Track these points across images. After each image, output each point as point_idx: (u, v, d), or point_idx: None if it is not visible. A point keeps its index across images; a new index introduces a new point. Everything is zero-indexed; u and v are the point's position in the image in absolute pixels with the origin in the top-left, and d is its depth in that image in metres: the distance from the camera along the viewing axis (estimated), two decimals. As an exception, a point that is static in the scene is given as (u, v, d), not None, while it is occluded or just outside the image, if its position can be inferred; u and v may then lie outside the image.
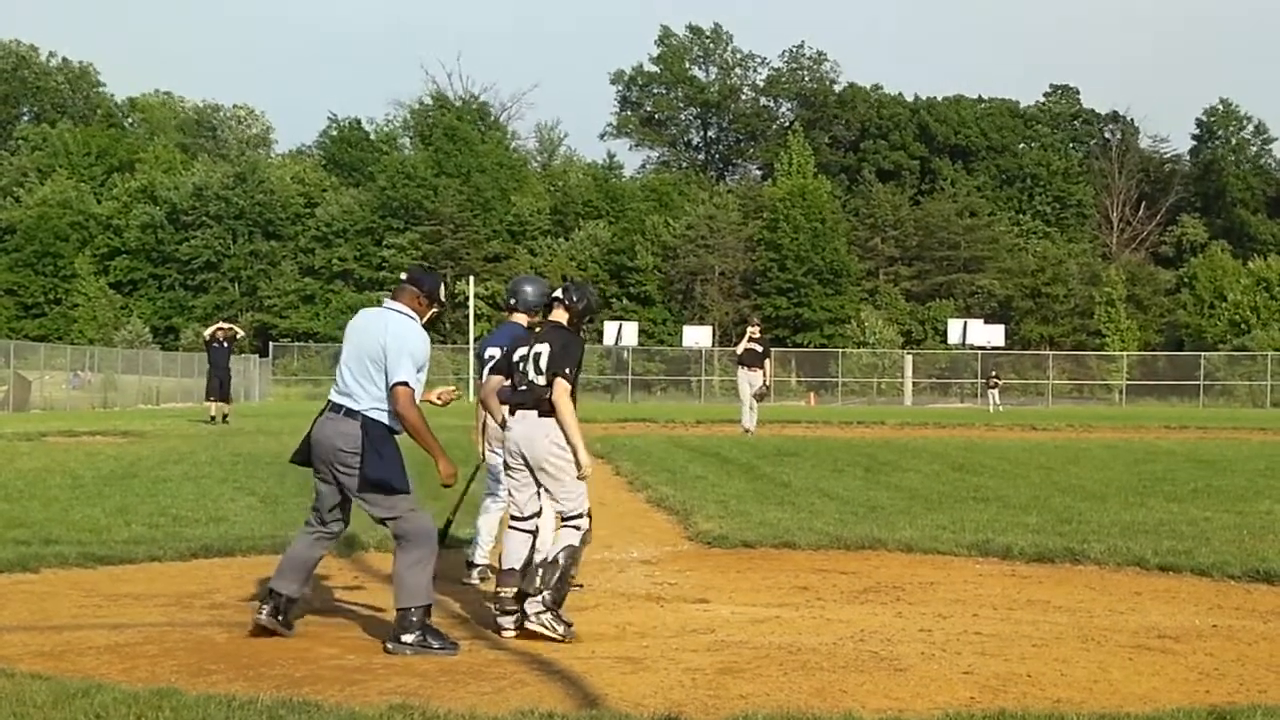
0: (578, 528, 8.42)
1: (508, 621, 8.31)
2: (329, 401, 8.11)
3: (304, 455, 8.21)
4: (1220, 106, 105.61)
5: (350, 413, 7.93)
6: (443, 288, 8.34)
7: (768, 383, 29.17)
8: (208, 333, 34.45)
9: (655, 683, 7.00)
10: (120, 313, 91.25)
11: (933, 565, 11.47)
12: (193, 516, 13.53)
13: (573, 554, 8.33)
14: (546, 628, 8.05)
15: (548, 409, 8.36)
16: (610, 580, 10.57)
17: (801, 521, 13.66)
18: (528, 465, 8.45)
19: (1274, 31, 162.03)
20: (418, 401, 8.01)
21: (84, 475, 17.65)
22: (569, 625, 8.13)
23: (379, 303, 8.37)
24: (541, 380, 8.41)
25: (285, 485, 16.25)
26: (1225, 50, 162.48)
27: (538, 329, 8.86)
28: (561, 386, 8.35)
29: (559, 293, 8.82)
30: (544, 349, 8.50)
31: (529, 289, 10.19)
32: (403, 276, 8.30)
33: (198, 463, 19.88)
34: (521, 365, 8.59)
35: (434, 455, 7.97)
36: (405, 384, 7.87)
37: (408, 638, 7.76)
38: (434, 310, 8.28)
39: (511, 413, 8.56)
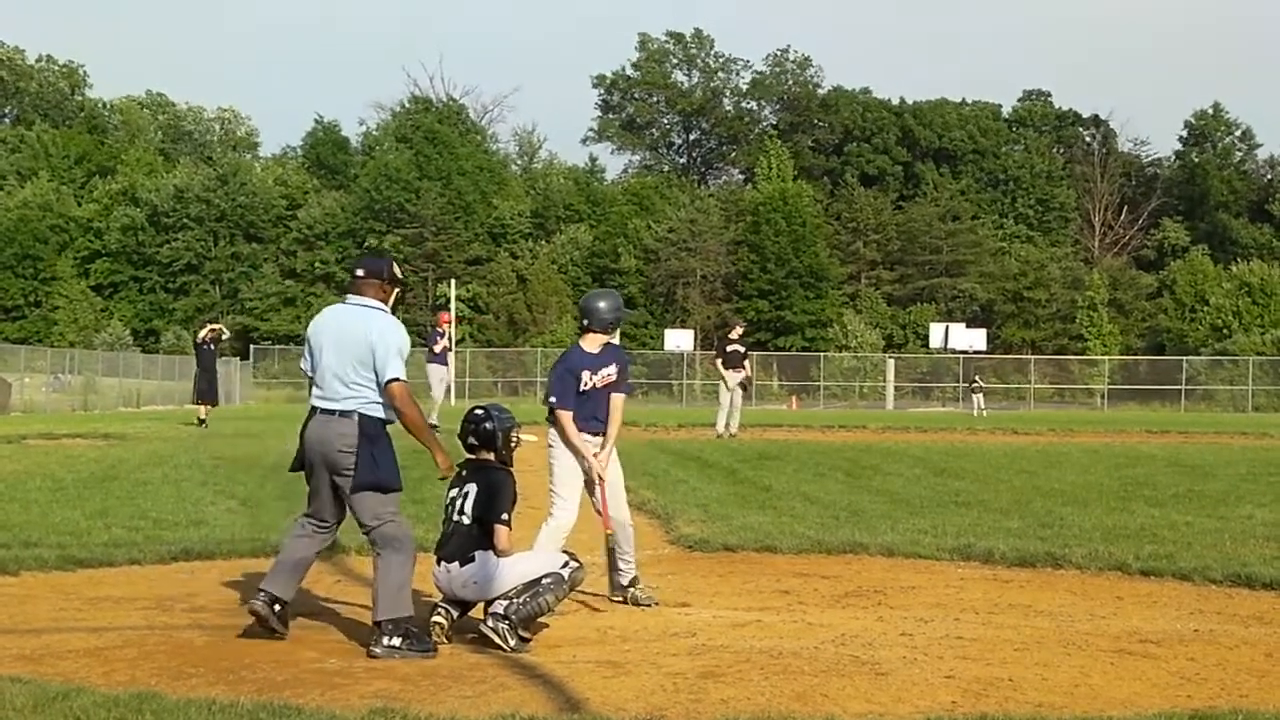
0: (569, 566, 8.47)
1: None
2: (314, 407, 8.12)
3: (300, 461, 8.25)
4: (1210, 110, 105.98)
5: (344, 413, 7.96)
6: (395, 266, 8.38)
7: (750, 374, 29.44)
8: (202, 335, 33.95)
9: (636, 687, 7.00)
10: (101, 315, 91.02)
11: (914, 569, 11.47)
12: (173, 520, 13.48)
13: (558, 584, 8.32)
14: (499, 635, 8.03)
15: (470, 558, 8.33)
16: (592, 584, 10.55)
17: (783, 525, 13.65)
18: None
19: (1262, 41, 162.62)
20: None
21: (64, 478, 17.58)
22: (522, 640, 8.09)
23: (343, 300, 8.35)
24: (466, 521, 8.38)
25: (266, 489, 16.22)
26: (1214, 56, 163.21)
27: (464, 470, 8.67)
28: (503, 534, 8.34)
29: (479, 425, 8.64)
30: (471, 489, 8.47)
31: (603, 304, 9.82)
32: (359, 272, 8.28)
33: (178, 466, 19.80)
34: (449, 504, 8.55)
35: (431, 449, 8.08)
36: (398, 379, 7.95)
37: (391, 641, 7.75)
38: (396, 292, 8.34)
39: (437, 561, 8.49)
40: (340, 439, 7.94)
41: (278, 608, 8.10)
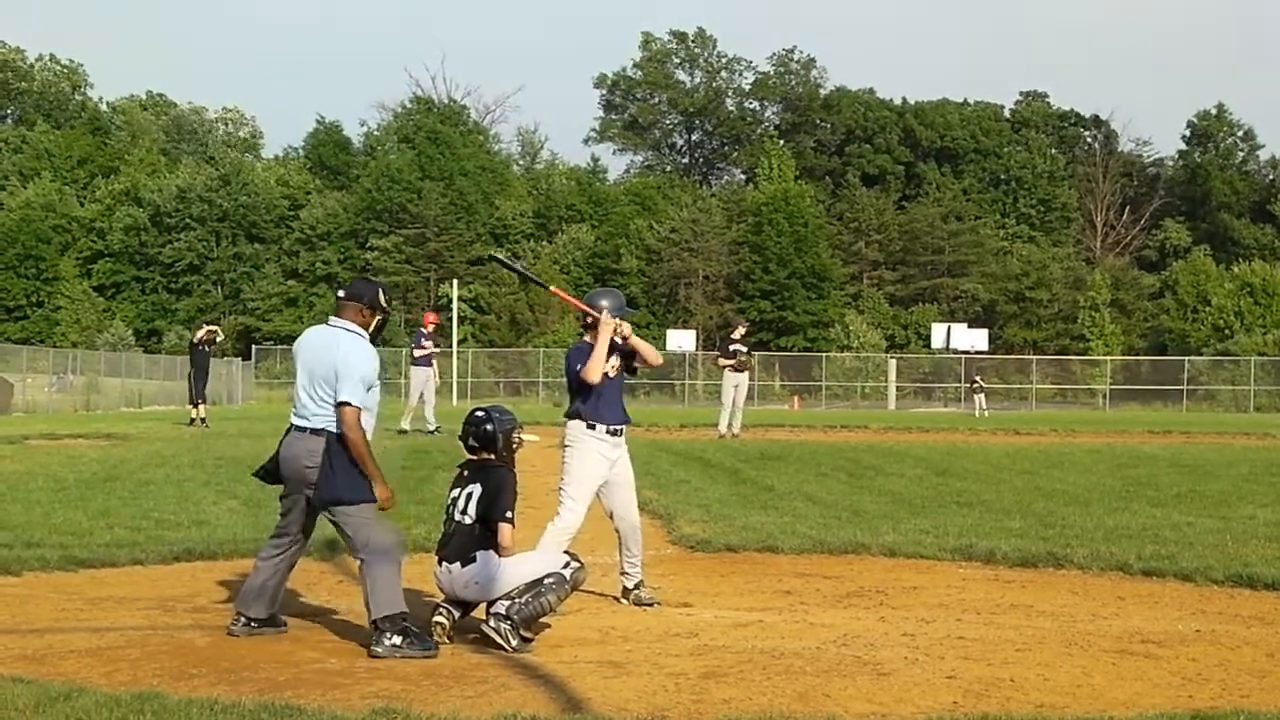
0: (570, 566, 8.47)
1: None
2: (291, 423, 8.26)
3: (272, 474, 8.46)
4: (1214, 111, 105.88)
5: (314, 431, 8.11)
6: (382, 294, 8.47)
7: (751, 362, 29.32)
8: (199, 335, 33.90)
9: (638, 687, 7.00)
10: (103, 315, 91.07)
11: (916, 570, 11.47)
12: (175, 520, 13.50)
13: (559, 584, 8.33)
14: (500, 635, 8.05)
15: (471, 558, 8.33)
16: (596, 584, 10.55)
17: (785, 526, 13.66)
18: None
19: (1265, 42, 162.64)
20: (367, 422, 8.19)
21: (66, 478, 17.59)
22: (524, 640, 8.11)
23: (325, 320, 8.46)
24: (469, 520, 8.38)
25: (267, 489, 16.12)
26: (1216, 57, 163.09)
27: (465, 470, 8.67)
28: (506, 531, 8.34)
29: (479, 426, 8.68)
30: (473, 489, 8.47)
31: (606, 302, 9.63)
32: (340, 293, 8.47)
33: (180, 466, 19.82)
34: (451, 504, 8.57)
35: (374, 479, 8.11)
36: (349, 404, 8.04)
37: (392, 640, 7.78)
38: (379, 319, 8.42)
39: (438, 562, 8.50)
40: (308, 455, 8.11)
41: (255, 625, 8.26)
